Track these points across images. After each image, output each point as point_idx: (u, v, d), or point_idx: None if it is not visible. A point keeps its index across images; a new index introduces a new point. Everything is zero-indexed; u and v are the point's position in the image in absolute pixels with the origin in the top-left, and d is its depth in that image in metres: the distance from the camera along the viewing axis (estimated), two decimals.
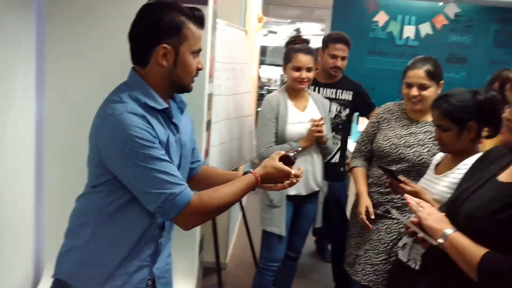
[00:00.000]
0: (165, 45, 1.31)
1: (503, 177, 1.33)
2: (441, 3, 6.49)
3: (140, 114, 1.27)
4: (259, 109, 7.81)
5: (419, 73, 2.17)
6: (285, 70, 2.61)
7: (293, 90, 2.61)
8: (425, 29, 6.25)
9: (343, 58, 2.99)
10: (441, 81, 2.22)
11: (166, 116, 1.38)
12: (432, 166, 1.99)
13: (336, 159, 3.12)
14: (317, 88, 3.04)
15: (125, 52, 1.38)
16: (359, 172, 2.42)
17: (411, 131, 2.26)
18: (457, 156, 1.82)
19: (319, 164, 2.65)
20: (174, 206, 1.28)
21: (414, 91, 2.18)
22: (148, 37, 1.32)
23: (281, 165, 1.46)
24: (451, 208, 1.41)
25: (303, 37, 2.71)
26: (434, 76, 2.18)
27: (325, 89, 3.05)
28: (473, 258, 1.22)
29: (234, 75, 2.79)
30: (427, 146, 2.18)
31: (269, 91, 7.39)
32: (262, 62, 6.73)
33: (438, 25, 6.22)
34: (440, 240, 1.31)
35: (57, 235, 1.48)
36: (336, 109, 3.05)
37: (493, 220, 1.22)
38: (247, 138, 3.00)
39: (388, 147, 2.26)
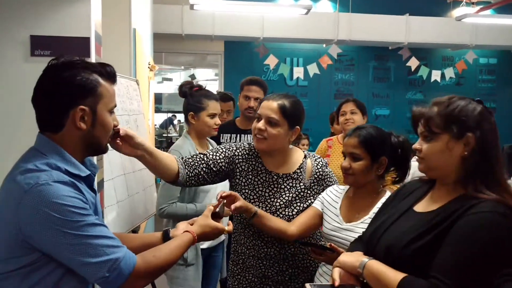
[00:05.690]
0: (83, 107, 1.22)
1: (419, 207, 1.37)
2: (324, 45, 6.94)
3: (68, 182, 1.18)
4: None
5: (271, 105, 1.81)
6: (195, 118, 2.46)
7: (202, 138, 2.50)
8: (313, 69, 6.60)
9: (256, 99, 2.91)
10: (297, 127, 1.86)
11: (88, 182, 1.28)
12: (335, 211, 1.83)
13: None
14: (238, 135, 2.98)
15: None
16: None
17: (275, 189, 1.89)
18: (360, 195, 1.80)
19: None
20: (120, 273, 1.18)
21: (260, 124, 1.82)
22: (61, 99, 1.21)
23: (215, 223, 1.51)
24: (370, 241, 1.41)
25: (197, 83, 2.64)
26: (287, 114, 1.80)
27: (246, 135, 2.98)
28: (391, 282, 1.21)
29: (128, 127, 2.64)
30: (297, 207, 1.87)
31: (168, 138, 7.24)
32: (158, 110, 6.60)
33: (324, 65, 6.60)
34: (359, 270, 1.30)
35: None
36: None
37: (412, 248, 1.24)
38: (148, 191, 2.84)
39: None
